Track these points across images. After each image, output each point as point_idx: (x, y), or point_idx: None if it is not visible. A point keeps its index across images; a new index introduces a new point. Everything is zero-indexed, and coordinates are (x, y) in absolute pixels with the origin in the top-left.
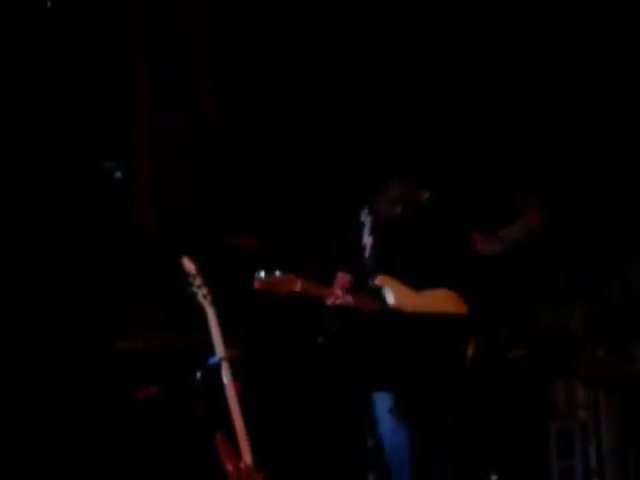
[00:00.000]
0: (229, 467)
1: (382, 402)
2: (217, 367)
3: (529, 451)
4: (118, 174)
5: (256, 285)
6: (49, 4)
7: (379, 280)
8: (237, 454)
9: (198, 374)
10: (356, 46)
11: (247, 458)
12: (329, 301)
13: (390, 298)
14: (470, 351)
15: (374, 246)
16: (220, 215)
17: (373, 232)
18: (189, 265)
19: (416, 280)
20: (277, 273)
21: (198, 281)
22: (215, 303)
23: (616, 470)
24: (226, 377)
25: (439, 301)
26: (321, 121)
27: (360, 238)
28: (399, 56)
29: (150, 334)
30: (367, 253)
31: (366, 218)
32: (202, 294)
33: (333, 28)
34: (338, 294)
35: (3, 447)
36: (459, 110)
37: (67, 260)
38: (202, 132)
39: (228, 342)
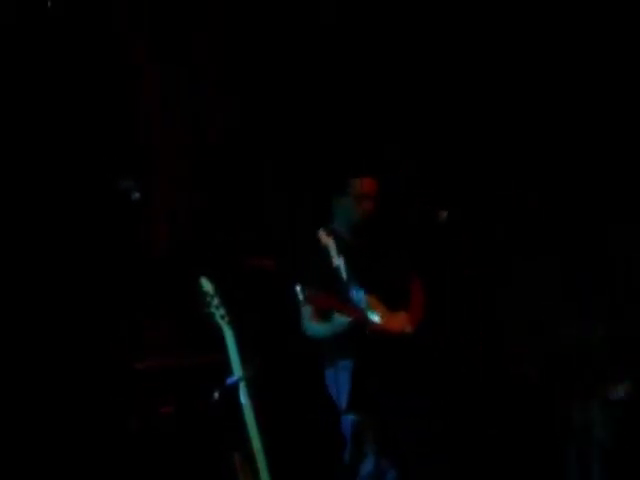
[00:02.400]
0: None
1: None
2: (235, 387)
3: (546, 472)
4: (136, 195)
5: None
6: (49, 4)
7: (369, 300)
8: (255, 474)
9: (216, 394)
10: (356, 46)
11: (265, 478)
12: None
13: (376, 318)
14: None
15: (348, 265)
16: (235, 228)
17: (341, 252)
18: (207, 285)
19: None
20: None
21: (216, 301)
22: (233, 323)
23: None
24: (244, 397)
25: (404, 321)
26: (320, 120)
27: (324, 262)
28: (398, 56)
29: (166, 354)
30: (344, 274)
31: (327, 241)
32: (220, 314)
33: (333, 28)
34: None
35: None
36: (459, 112)
37: (80, 278)
38: (204, 133)
39: (246, 362)
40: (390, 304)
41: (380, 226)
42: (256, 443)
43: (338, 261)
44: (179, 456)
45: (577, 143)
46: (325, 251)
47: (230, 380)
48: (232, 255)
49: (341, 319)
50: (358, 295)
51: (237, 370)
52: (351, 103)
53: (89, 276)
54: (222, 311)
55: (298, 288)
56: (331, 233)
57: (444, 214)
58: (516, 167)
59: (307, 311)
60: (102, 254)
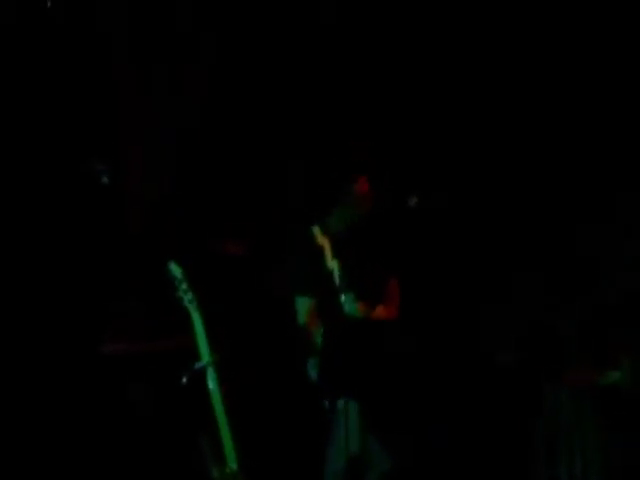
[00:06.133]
0: (214, 472)
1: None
2: (203, 372)
3: (514, 456)
4: (105, 179)
5: None
6: (49, 4)
7: (358, 307)
8: (223, 459)
9: (184, 379)
10: (356, 46)
11: (232, 463)
12: None
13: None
14: None
15: (342, 269)
16: (205, 214)
17: (337, 253)
18: (175, 270)
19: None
20: None
21: (184, 286)
22: (201, 308)
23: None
24: (212, 382)
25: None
26: (316, 118)
27: (318, 263)
28: (397, 55)
29: (134, 337)
30: (337, 278)
31: (323, 241)
32: (188, 299)
33: (333, 28)
34: None
35: None
36: (460, 112)
37: (52, 262)
38: (187, 123)
39: (214, 347)
40: (373, 305)
41: (375, 227)
42: (224, 428)
43: (332, 264)
44: (148, 440)
45: (576, 143)
46: (319, 251)
47: (198, 365)
48: (201, 239)
49: None
50: (348, 301)
51: (205, 355)
52: (351, 102)
53: (59, 259)
54: (190, 296)
55: None
56: (327, 231)
57: (414, 199)
58: (516, 167)
59: (304, 307)
60: (73, 238)
